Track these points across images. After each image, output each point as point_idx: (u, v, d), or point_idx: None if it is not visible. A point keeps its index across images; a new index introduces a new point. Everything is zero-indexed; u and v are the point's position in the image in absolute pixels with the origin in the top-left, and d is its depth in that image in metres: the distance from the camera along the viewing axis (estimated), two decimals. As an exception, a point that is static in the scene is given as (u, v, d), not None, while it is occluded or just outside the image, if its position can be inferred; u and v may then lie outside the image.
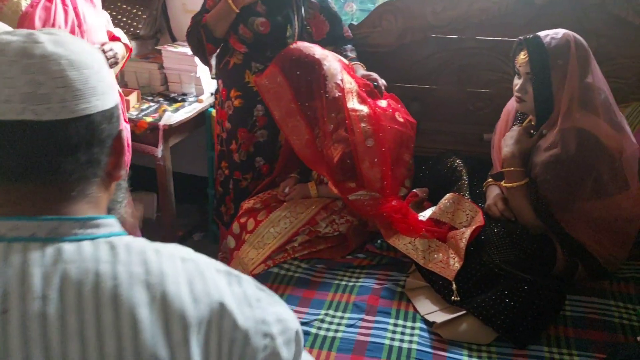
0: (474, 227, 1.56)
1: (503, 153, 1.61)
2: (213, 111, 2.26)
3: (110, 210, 0.73)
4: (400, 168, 1.82)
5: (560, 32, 1.52)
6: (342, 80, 1.73)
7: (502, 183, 1.61)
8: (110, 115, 0.64)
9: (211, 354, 0.58)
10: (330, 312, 1.50)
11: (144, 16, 2.50)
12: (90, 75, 0.62)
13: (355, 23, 2.15)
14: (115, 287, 0.56)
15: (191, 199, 2.83)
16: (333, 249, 1.77)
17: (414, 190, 1.84)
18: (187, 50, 2.35)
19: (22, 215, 0.59)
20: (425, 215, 1.70)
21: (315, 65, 1.71)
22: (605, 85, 1.54)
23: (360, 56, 2.03)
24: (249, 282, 0.66)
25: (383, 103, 1.82)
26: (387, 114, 1.79)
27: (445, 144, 2.13)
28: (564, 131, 1.47)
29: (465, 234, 1.55)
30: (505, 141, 1.61)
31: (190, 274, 0.61)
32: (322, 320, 1.46)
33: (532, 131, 1.59)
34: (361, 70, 1.91)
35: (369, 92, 1.81)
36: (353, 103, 1.72)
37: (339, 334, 1.42)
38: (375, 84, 1.84)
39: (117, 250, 0.59)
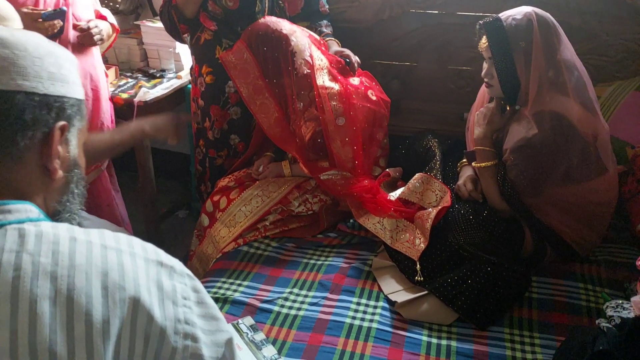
0: (440, 207, 1.54)
1: (475, 133, 1.58)
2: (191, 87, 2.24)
3: (58, 213, 0.70)
4: (373, 147, 1.80)
5: (522, 10, 1.46)
6: (311, 56, 1.69)
7: (473, 164, 1.59)
8: (41, 101, 0.64)
9: (122, 352, 0.57)
10: (295, 290, 1.50)
11: (124, -10, 2.46)
12: (24, 57, 0.63)
13: (333, -3, 2.10)
14: (16, 279, 0.54)
15: (175, 176, 2.83)
16: (305, 228, 1.76)
17: (387, 169, 1.82)
18: (166, 25, 2.31)
19: None
20: (394, 195, 1.69)
21: (282, 40, 1.67)
22: (578, 62, 1.49)
23: (336, 32, 1.99)
24: (183, 277, 0.65)
25: (355, 81, 1.78)
26: (359, 91, 1.76)
27: (426, 123, 2.10)
28: (534, 115, 1.44)
29: (431, 214, 1.54)
30: (477, 121, 1.58)
31: (107, 265, 0.59)
32: (286, 299, 1.47)
33: (504, 108, 1.56)
34: (335, 47, 1.87)
35: (341, 69, 1.77)
36: (323, 80, 1.69)
37: (301, 312, 1.42)
38: (348, 60, 1.81)
39: (25, 239, 0.57)
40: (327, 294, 1.48)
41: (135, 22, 2.46)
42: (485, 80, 1.54)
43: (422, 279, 1.47)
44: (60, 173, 0.67)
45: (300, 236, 1.74)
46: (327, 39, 1.89)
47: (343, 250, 1.67)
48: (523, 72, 1.44)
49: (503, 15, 1.47)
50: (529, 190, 1.46)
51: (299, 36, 1.70)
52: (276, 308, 1.43)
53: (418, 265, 1.48)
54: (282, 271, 1.59)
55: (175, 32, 1.93)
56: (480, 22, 1.50)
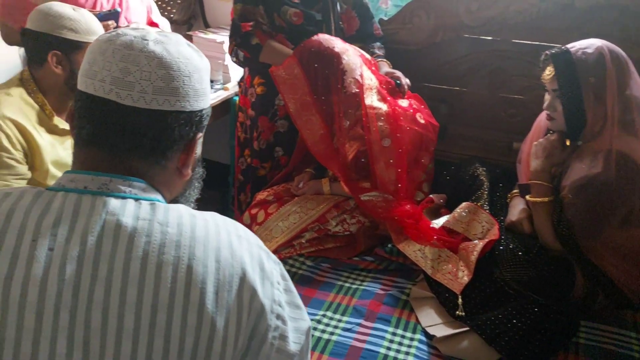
0: (487, 240, 1.48)
1: (532, 165, 1.51)
2: (238, 99, 2.25)
3: (175, 202, 0.79)
4: (417, 171, 1.75)
5: (593, 44, 1.39)
6: (361, 75, 1.67)
7: (528, 197, 1.52)
8: (187, 118, 0.71)
9: (231, 324, 0.62)
10: (329, 313, 1.46)
11: (179, 1, 2.52)
12: (177, 77, 0.68)
13: (385, 19, 2.09)
14: (147, 244, 0.61)
15: (214, 185, 2.84)
16: (341, 249, 1.72)
17: (431, 195, 1.76)
18: (217, 37, 2.35)
19: (80, 170, 0.68)
20: (438, 223, 1.63)
21: (334, 58, 1.65)
22: None
23: (388, 53, 1.97)
24: (276, 264, 0.71)
25: (404, 103, 1.75)
26: (408, 114, 1.72)
27: (472, 150, 2.04)
28: (599, 153, 1.36)
29: (477, 247, 1.47)
30: (536, 153, 1.51)
31: (220, 242, 0.65)
32: (319, 321, 1.42)
33: (565, 143, 1.49)
34: (385, 68, 1.85)
35: (391, 90, 1.74)
36: (372, 100, 1.66)
37: (334, 337, 1.37)
38: (398, 82, 1.77)
39: (156, 210, 0.65)
40: (362, 321, 1.42)
41: (188, 33, 2.51)
42: (548, 112, 1.48)
43: (463, 314, 1.40)
44: (190, 173, 0.76)
45: (335, 257, 1.70)
46: (379, 59, 1.87)
47: (379, 276, 1.61)
48: (591, 107, 1.37)
49: (572, 47, 1.41)
50: (585, 231, 1.37)
51: (351, 55, 1.68)
52: (308, 330, 1.39)
53: (460, 300, 1.41)
54: (316, 292, 1.55)
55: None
56: (547, 52, 1.44)
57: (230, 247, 0.66)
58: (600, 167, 1.34)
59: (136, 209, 0.64)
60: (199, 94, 0.72)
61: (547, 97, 1.48)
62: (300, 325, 0.71)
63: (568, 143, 1.48)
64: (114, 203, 0.64)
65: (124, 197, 0.65)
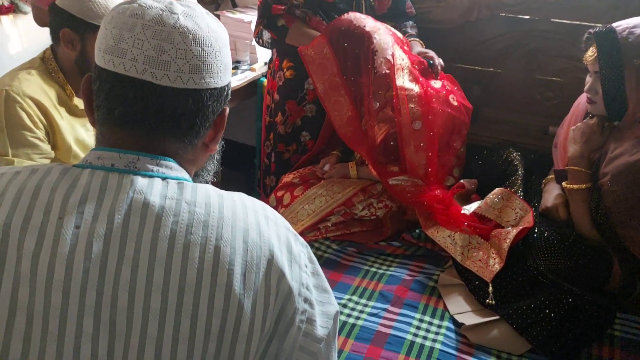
0: (521, 227, 1.42)
1: (569, 150, 1.45)
2: (265, 81, 2.23)
3: (197, 176, 0.79)
4: (448, 155, 1.70)
5: None
6: (392, 55, 1.62)
7: (564, 184, 1.46)
8: (219, 94, 0.69)
9: (258, 306, 0.61)
10: (355, 297, 1.44)
11: (207, -20, 2.49)
12: (210, 53, 0.66)
13: (418, -4, 2.02)
14: (175, 224, 0.60)
15: (240, 166, 2.84)
16: (367, 234, 1.69)
17: (462, 180, 1.71)
18: (245, 16, 2.32)
19: (107, 147, 0.65)
20: (469, 208, 1.58)
21: (364, 37, 1.60)
22: None
23: (420, 32, 1.90)
24: (304, 246, 0.70)
25: (437, 84, 1.69)
26: (440, 95, 1.66)
27: (506, 134, 1.98)
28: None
29: (510, 234, 1.42)
30: (574, 137, 1.45)
31: (248, 224, 0.64)
32: (345, 306, 1.41)
33: (604, 125, 1.42)
34: (418, 47, 1.79)
35: (423, 71, 1.68)
36: (403, 81, 1.61)
37: (360, 322, 1.35)
38: (431, 62, 1.72)
39: (184, 190, 0.63)
40: (388, 306, 1.40)
41: (215, 12, 2.49)
42: (588, 96, 1.41)
43: (493, 302, 1.36)
44: (216, 149, 0.75)
45: (361, 241, 1.67)
46: (411, 39, 1.81)
47: (407, 262, 1.58)
48: (633, 91, 1.30)
49: (618, 26, 1.33)
50: (625, 220, 1.30)
51: (382, 34, 1.63)
52: (334, 314, 1.38)
53: (491, 288, 1.37)
54: (342, 276, 1.53)
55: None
56: (591, 30, 1.36)
57: (258, 229, 0.64)
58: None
59: (163, 188, 0.63)
60: (228, 67, 0.70)
61: (589, 79, 1.41)
62: (328, 310, 0.69)
63: (607, 125, 1.41)
64: (141, 181, 0.62)
65: (151, 176, 0.64)
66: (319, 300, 0.69)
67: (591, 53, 1.36)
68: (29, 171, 0.64)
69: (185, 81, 0.65)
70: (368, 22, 1.63)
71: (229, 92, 0.73)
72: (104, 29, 0.66)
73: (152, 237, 0.59)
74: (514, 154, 1.73)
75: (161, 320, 0.58)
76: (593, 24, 1.78)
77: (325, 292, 0.71)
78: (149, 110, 0.65)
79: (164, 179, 0.64)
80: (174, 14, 0.65)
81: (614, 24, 1.34)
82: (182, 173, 0.68)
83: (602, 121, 1.42)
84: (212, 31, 0.67)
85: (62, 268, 0.57)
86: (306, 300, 0.66)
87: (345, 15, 1.66)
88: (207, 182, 0.82)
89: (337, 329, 0.72)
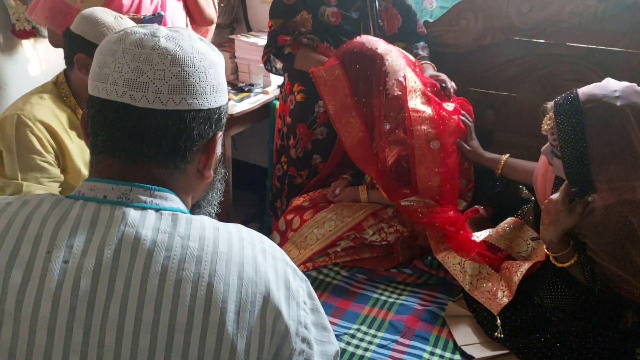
0: (533, 261, 1.37)
1: (541, 232, 1.29)
2: (277, 104, 2.23)
3: (198, 206, 0.77)
4: (460, 178, 1.67)
5: (615, 89, 1.13)
6: (404, 77, 1.60)
7: (551, 258, 1.31)
8: (206, 116, 0.66)
9: (252, 346, 0.58)
10: (363, 327, 1.40)
11: (222, 4, 2.52)
12: (192, 74, 0.64)
13: (430, 20, 2.01)
14: (167, 259, 0.58)
15: (251, 188, 2.84)
16: (377, 260, 1.66)
17: (477, 206, 1.67)
18: (259, 40, 2.34)
19: (100, 178, 0.64)
20: (479, 236, 1.54)
21: (376, 59, 1.59)
22: None
23: (432, 56, 1.89)
24: (302, 281, 0.67)
25: (449, 106, 1.67)
26: (452, 120, 1.64)
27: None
28: (609, 208, 1.15)
29: (522, 267, 1.37)
30: (542, 218, 1.28)
31: (244, 258, 0.61)
32: (353, 336, 1.37)
33: (574, 197, 1.23)
34: (430, 71, 1.78)
35: (435, 93, 1.67)
36: (415, 103, 1.60)
37: (368, 354, 1.32)
38: (443, 85, 1.70)
39: (178, 222, 0.61)
40: (398, 337, 1.36)
41: (230, 36, 2.52)
42: (547, 158, 1.29)
43: (502, 335, 1.31)
44: (212, 175, 0.72)
45: (372, 267, 1.64)
46: (423, 62, 1.80)
47: (418, 290, 1.54)
48: (597, 169, 1.16)
49: (582, 93, 1.18)
50: (625, 286, 1.21)
51: (395, 56, 1.62)
52: (342, 344, 1.34)
53: (499, 321, 1.32)
54: (351, 304, 1.50)
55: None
56: (558, 98, 1.23)
57: (255, 263, 0.62)
58: (615, 215, 1.15)
59: (157, 221, 0.61)
60: (216, 90, 0.68)
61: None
62: (327, 349, 0.67)
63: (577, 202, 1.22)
64: (133, 214, 0.61)
65: (144, 208, 0.62)
66: (318, 339, 0.66)
67: (548, 121, 1.23)
68: (20, 202, 0.63)
69: (165, 102, 0.63)
70: (380, 45, 1.63)
71: (222, 115, 0.69)
72: (94, 58, 0.67)
73: (142, 273, 0.57)
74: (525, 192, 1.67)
75: None
76: (610, 48, 1.76)
77: (325, 330, 0.68)
78: (127, 134, 0.63)
79: (157, 210, 0.62)
80: (156, 37, 0.64)
81: (578, 90, 1.20)
82: (177, 204, 0.66)
83: (570, 193, 1.23)
84: (197, 52, 0.66)
85: (48, 305, 0.55)
86: (304, 339, 0.63)
87: (358, 38, 1.66)
88: (210, 214, 0.79)
89: None
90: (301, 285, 0.66)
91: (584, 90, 1.18)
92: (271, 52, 1.87)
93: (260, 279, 0.61)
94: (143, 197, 0.63)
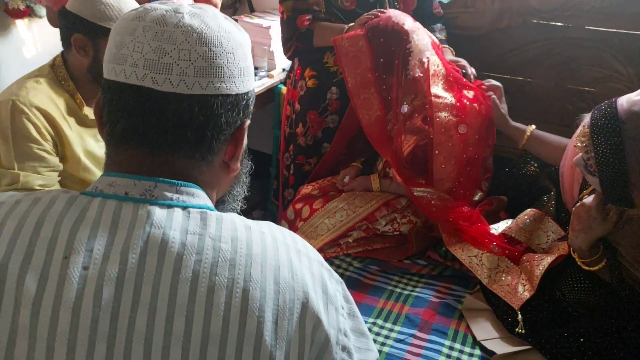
0: (556, 255, 1.32)
1: (570, 238, 1.23)
2: (283, 88, 2.16)
3: (222, 202, 0.72)
4: (477, 167, 1.61)
5: None
6: (427, 60, 1.53)
7: (578, 262, 1.25)
8: (234, 102, 0.61)
9: (291, 353, 0.54)
10: (379, 321, 1.36)
11: (224, -17, 2.43)
12: (220, 54, 0.58)
13: (445, 1, 1.93)
14: (198, 263, 0.53)
15: (255, 175, 2.77)
16: (390, 250, 1.61)
17: (491, 197, 1.62)
18: (263, 22, 2.26)
19: (120, 173, 0.58)
20: (497, 228, 1.49)
21: (402, 35, 1.52)
22: None
23: (447, 38, 1.82)
24: (338, 284, 0.62)
25: (470, 94, 1.60)
26: (474, 106, 1.57)
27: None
28: None
29: (544, 261, 1.32)
30: (572, 223, 1.20)
31: (279, 260, 0.57)
32: (369, 330, 1.33)
33: (607, 211, 1.16)
34: (449, 55, 1.71)
35: (455, 80, 1.60)
36: (437, 89, 1.53)
37: (386, 349, 1.28)
38: (464, 71, 1.63)
39: (207, 222, 0.56)
40: (416, 331, 1.32)
41: (233, 17, 2.43)
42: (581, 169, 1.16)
43: (523, 331, 1.27)
44: (239, 167, 0.67)
45: (384, 259, 1.59)
46: (442, 45, 1.72)
47: (433, 282, 1.50)
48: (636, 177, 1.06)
49: (620, 103, 1.06)
50: None
51: (421, 35, 1.55)
52: (357, 339, 1.30)
53: (520, 316, 1.28)
54: (365, 297, 1.45)
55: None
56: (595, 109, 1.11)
57: (291, 266, 0.57)
58: None
59: (184, 221, 0.55)
60: (244, 73, 0.62)
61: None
62: (367, 357, 0.63)
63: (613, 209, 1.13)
64: (159, 213, 0.55)
65: (170, 206, 0.56)
66: (358, 346, 0.62)
67: (583, 137, 1.10)
68: (30, 200, 0.56)
69: (190, 86, 0.57)
70: (407, 21, 1.55)
71: (250, 102, 0.64)
72: (110, 38, 0.60)
73: (171, 279, 0.52)
74: (534, 167, 1.62)
75: None
76: (631, 32, 1.70)
77: (363, 336, 0.64)
78: (149, 122, 0.57)
79: (184, 208, 0.57)
80: (179, 13, 0.58)
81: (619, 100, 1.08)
82: (204, 200, 0.60)
83: (602, 201, 1.13)
84: (224, 31, 0.60)
85: (68, 317, 0.50)
86: (344, 348, 0.59)
87: (386, 12, 1.59)
88: (234, 210, 0.74)
89: None
90: (337, 289, 0.62)
91: (624, 106, 1.05)
92: (298, 41, 1.76)
93: (298, 283, 0.56)
94: (169, 194, 0.57)
